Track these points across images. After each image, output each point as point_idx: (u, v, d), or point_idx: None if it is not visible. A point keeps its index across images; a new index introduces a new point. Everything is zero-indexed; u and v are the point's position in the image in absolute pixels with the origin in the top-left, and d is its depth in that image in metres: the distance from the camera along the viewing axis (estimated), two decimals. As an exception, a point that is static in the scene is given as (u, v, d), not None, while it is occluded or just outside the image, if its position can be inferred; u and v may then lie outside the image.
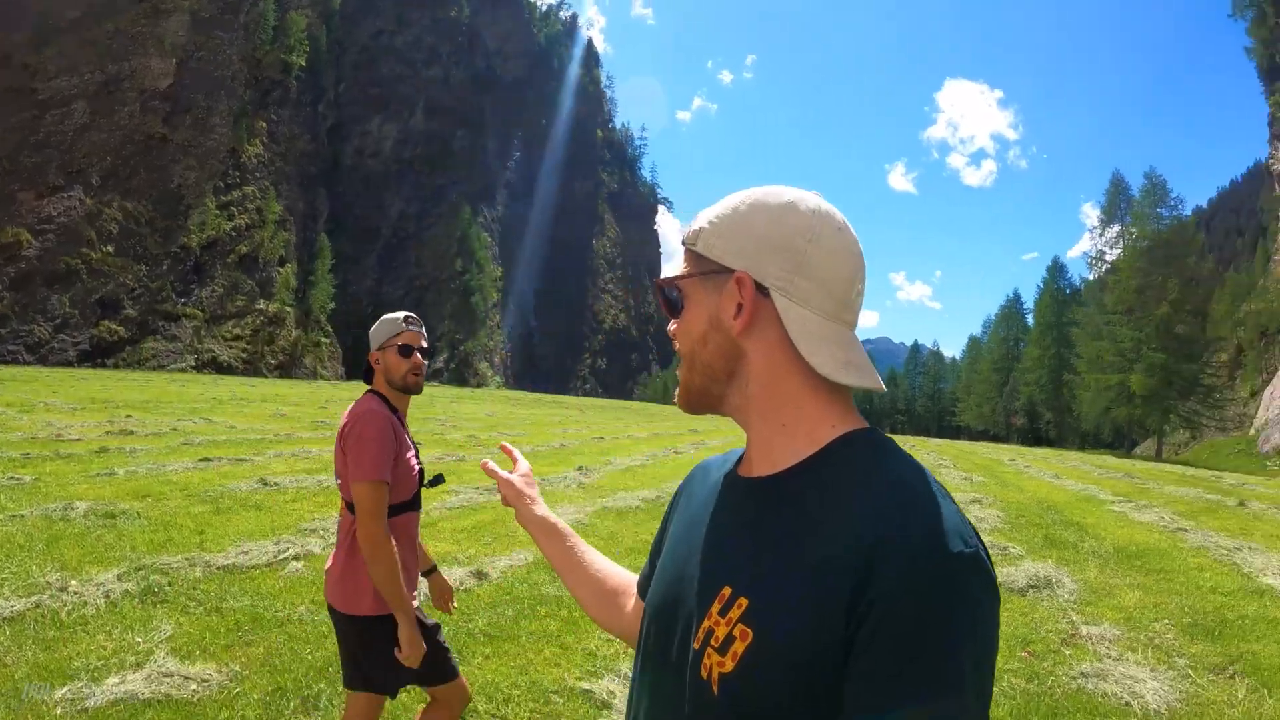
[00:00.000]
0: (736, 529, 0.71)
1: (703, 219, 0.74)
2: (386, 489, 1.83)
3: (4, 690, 2.95)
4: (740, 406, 0.71)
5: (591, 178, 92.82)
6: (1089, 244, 42.22)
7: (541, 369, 70.85)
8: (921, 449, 19.06)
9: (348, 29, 57.86)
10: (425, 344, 2.07)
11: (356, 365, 54.06)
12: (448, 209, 60.70)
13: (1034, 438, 57.13)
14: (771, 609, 0.64)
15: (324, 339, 48.61)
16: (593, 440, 15.12)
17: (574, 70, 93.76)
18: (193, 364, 37.98)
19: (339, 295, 47.86)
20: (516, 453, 1.09)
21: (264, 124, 51.46)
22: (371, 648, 1.99)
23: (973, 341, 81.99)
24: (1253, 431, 45.60)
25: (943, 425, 75.54)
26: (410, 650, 1.86)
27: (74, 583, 3.90)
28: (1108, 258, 40.29)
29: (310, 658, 3.30)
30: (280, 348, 44.78)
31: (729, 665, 0.65)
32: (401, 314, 2.06)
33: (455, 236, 59.01)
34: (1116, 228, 39.87)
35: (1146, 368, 34.98)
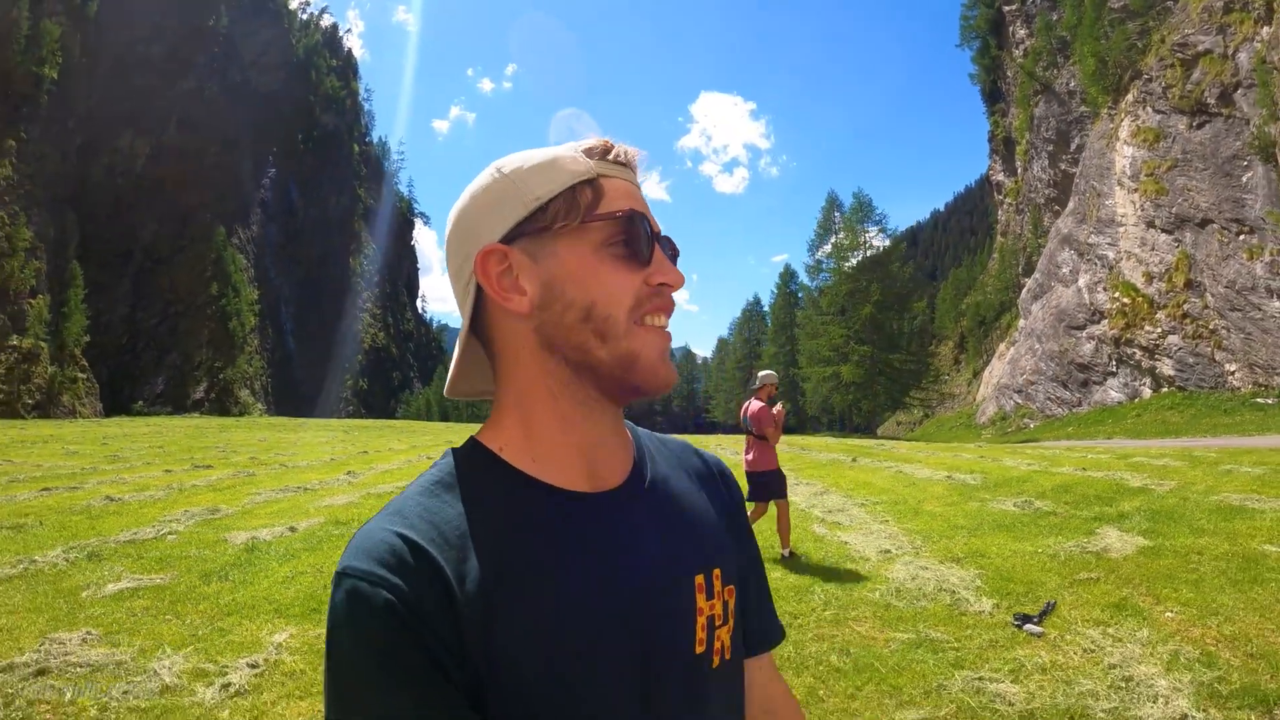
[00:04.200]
0: (655, 533, 0.80)
1: None
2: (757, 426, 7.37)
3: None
4: None
5: (347, 194, 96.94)
6: (808, 255, 52.41)
7: (303, 393, 76.68)
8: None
9: (101, 38, 60.34)
10: (775, 384, 7.66)
11: (114, 401, 56.26)
12: (201, 230, 64.31)
13: None
14: (730, 559, 0.88)
15: (80, 374, 52.94)
16: (359, 454, 21.16)
17: (331, 83, 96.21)
18: None
19: (93, 326, 51.85)
20: None
21: (13, 142, 52.57)
22: (755, 483, 7.29)
23: (721, 342, 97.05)
24: (975, 407, 56.97)
25: (699, 422, 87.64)
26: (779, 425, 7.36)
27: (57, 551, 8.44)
28: (824, 266, 50.36)
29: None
30: (37, 386, 48.47)
31: (730, 624, 0.84)
32: (767, 373, 7.78)
33: (210, 259, 62.44)
34: (831, 240, 49.91)
35: (856, 359, 45.42)
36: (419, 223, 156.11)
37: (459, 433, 40.51)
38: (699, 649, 0.78)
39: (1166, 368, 33.63)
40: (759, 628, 0.96)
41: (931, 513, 9.27)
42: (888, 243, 55.24)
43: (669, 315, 0.80)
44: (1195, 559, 6.31)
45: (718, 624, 0.81)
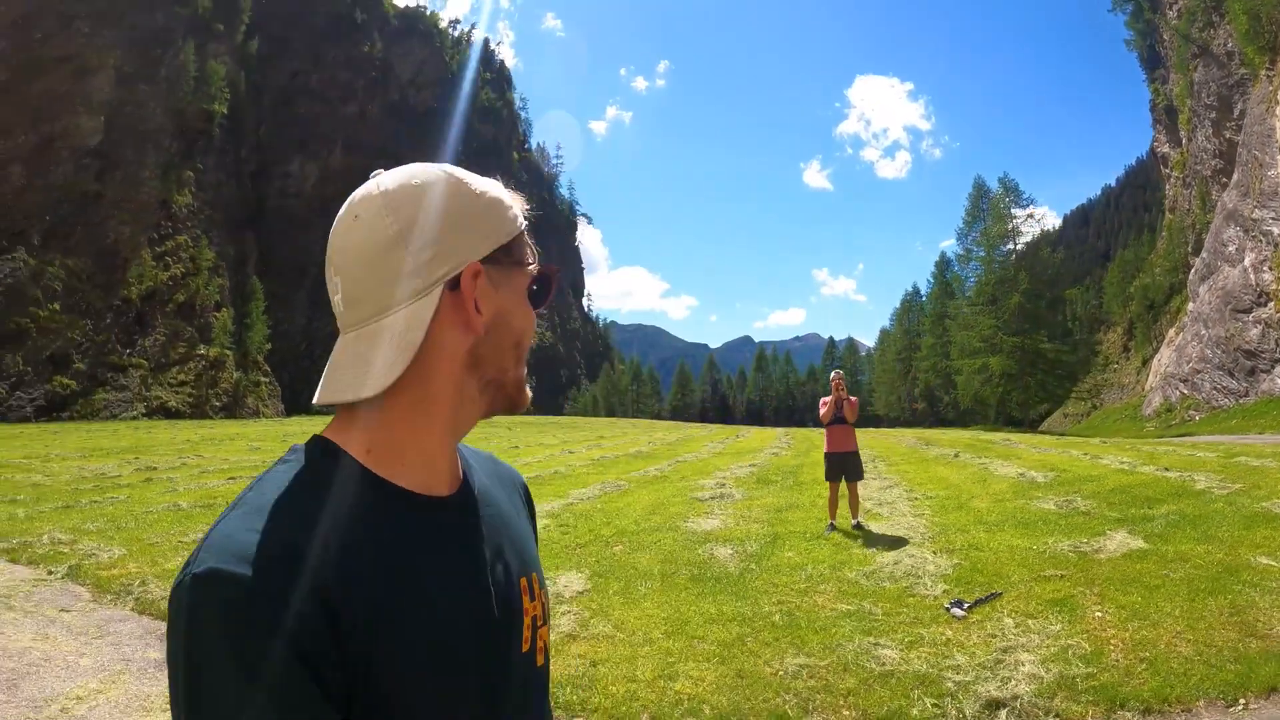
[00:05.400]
0: (488, 537, 0.86)
1: None
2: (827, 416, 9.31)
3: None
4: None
5: None
6: (955, 244, 51.73)
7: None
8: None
9: (264, 72, 68.12)
10: (841, 379, 9.50)
11: (295, 402, 62.43)
12: None
13: (936, 420, 66.96)
14: (539, 563, 0.96)
15: (263, 379, 59.26)
16: (510, 448, 24.28)
17: (486, 95, 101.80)
18: (143, 411, 47.15)
19: (273, 335, 59.04)
20: None
21: (191, 173, 61.59)
22: (830, 464, 9.31)
23: (883, 333, 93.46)
24: (1141, 398, 55.26)
25: (864, 415, 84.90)
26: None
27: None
28: (974, 255, 49.47)
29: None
30: (223, 390, 55.23)
31: (548, 625, 0.92)
32: (836, 370, 9.73)
33: None
34: (980, 227, 48.94)
35: (1006, 350, 44.37)
36: (581, 223, 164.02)
37: (620, 428, 43.39)
38: (524, 648, 0.84)
39: (1339, 354, 31.04)
40: None
41: (972, 508, 10.08)
42: (1038, 228, 53.25)
43: None
44: (1176, 565, 6.60)
45: (539, 624, 0.88)
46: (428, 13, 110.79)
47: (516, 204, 0.86)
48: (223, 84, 69.70)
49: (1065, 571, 6.65)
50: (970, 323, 53.63)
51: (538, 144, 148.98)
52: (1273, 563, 6.56)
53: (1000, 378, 49.94)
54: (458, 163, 0.82)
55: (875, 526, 9.13)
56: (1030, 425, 54.17)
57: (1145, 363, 59.56)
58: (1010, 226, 52.10)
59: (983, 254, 53.60)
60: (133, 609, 6.22)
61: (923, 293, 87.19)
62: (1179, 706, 4.09)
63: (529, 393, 0.89)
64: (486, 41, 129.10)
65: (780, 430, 35.23)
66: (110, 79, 59.68)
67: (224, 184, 70.25)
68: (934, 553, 7.58)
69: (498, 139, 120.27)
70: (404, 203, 0.79)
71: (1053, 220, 50.06)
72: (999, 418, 53.69)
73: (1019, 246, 51.74)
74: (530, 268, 0.86)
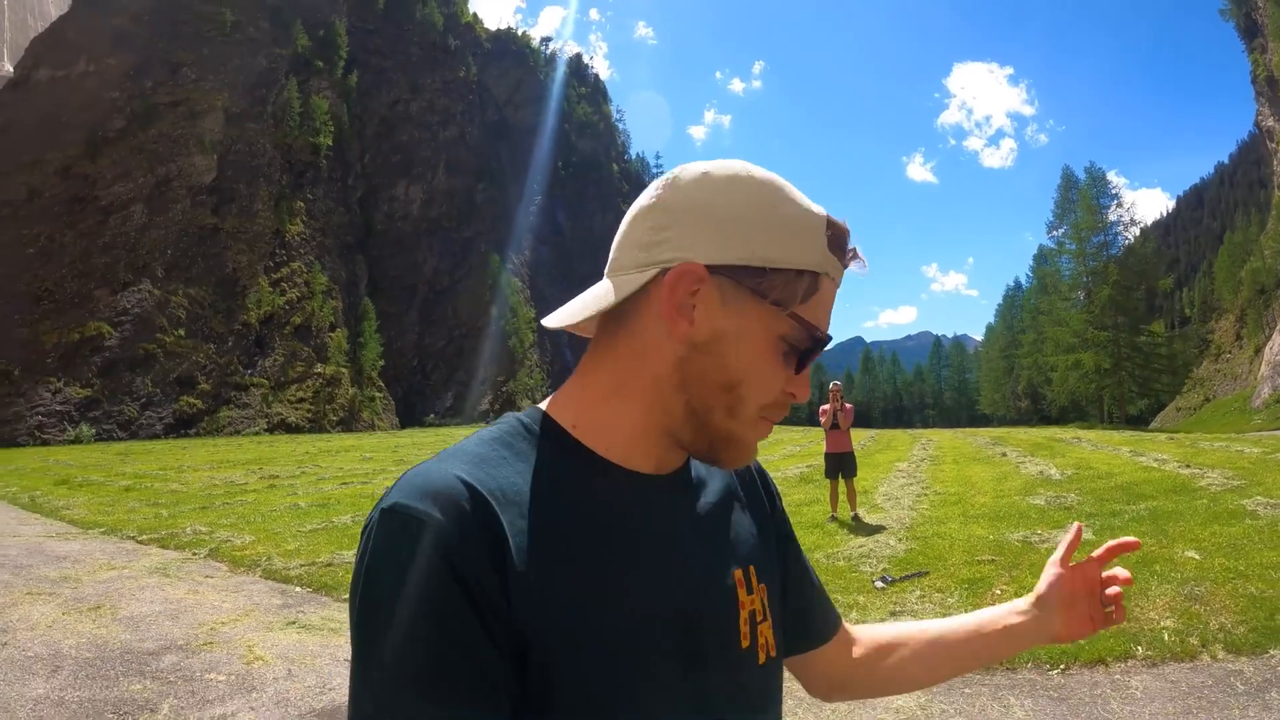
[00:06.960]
0: (702, 525, 0.82)
1: None
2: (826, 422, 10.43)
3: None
4: None
5: (612, 211, 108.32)
6: (1047, 237, 51.47)
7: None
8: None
9: (365, 103, 73.40)
10: (838, 389, 10.58)
11: (408, 415, 66.61)
12: (478, 260, 76.30)
13: (1040, 418, 65.39)
14: (765, 557, 0.90)
15: (377, 394, 64.80)
16: None
17: (584, 109, 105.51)
18: (265, 427, 51.23)
19: (386, 352, 65.04)
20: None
21: (301, 203, 66.94)
22: (829, 463, 10.49)
23: (989, 329, 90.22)
24: (1252, 389, 54.52)
25: (973, 415, 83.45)
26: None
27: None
28: (1065, 248, 48.99)
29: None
30: (340, 405, 59.99)
31: (769, 620, 0.85)
32: (835, 381, 10.89)
33: (488, 285, 73.42)
34: (1070, 219, 48.49)
35: (1099, 345, 43.94)
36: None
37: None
38: (744, 643, 0.80)
39: None
40: (823, 616, 1.00)
41: (969, 503, 11.18)
42: (1129, 216, 51.98)
43: None
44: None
45: (759, 619, 0.82)
46: (519, 33, 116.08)
47: (810, 238, 0.73)
48: (326, 117, 75.05)
49: (998, 558, 7.43)
50: (1063, 318, 52.74)
51: (637, 154, 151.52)
52: (1195, 555, 6.96)
53: (1094, 373, 48.88)
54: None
55: (871, 517, 10.36)
56: (1132, 422, 52.37)
57: (1257, 352, 57.17)
58: (1099, 218, 50.99)
59: (1073, 247, 52.63)
60: (261, 575, 8.28)
61: (1024, 286, 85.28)
62: (1004, 665, 4.72)
63: (741, 459, 0.78)
64: (579, 56, 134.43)
65: (871, 432, 35.54)
66: (220, 120, 65.21)
67: (333, 211, 75.22)
68: (898, 539, 8.81)
69: (596, 152, 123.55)
70: (688, 181, 0.74)
71: (1165, 203, 48.69)
72: (1110, 415, 51.65)
73: (1110, 237, 50.63)
74: (782, 310, 0.72)
